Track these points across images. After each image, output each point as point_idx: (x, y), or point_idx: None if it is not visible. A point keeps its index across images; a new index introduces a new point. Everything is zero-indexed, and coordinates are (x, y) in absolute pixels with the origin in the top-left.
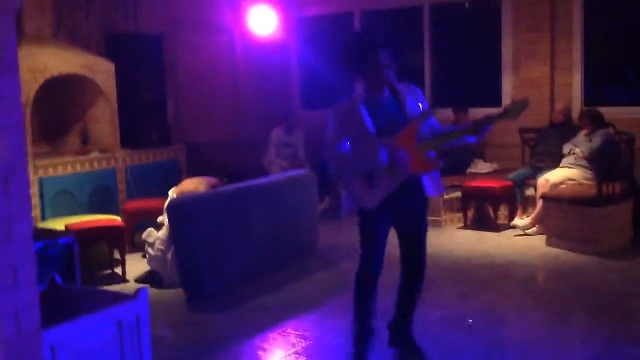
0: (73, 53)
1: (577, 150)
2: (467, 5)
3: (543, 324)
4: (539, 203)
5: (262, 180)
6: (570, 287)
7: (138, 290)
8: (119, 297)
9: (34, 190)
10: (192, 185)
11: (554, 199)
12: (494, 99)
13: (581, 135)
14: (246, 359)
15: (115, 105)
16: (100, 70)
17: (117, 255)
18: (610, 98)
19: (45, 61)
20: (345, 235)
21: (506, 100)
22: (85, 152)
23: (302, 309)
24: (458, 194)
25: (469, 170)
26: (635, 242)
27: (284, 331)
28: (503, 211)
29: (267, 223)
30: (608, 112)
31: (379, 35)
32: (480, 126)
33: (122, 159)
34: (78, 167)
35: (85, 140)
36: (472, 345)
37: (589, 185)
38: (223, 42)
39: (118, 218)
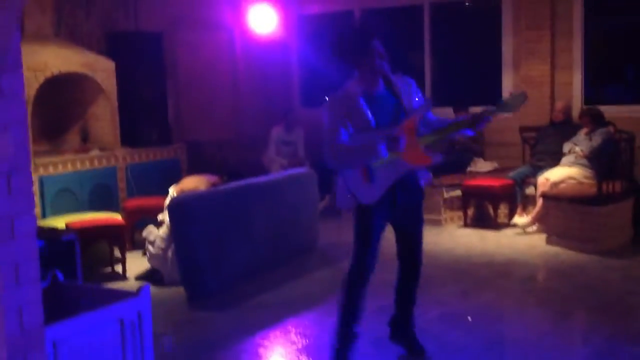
0: (73, 51)
1: (577, 149)
2: (467, 3)
3: (543, 322)
4: (539, 202)
5: (262, 178)
6: (570, 285)
7: (140, 288)
8: (121, 295)
9: (34, 188)
10: (193, 183)
11: (554, 198)
12: (495, 97)
13: (581, 134)
14: (246, 357)
15: (116, 104)
16: (101, 69)
17: (117, 253)
18: (611, 97)
19: (45, 60)
20: (345, 234)
21: None
22: (85, 151)
23: (303, 307)
24: (458, 192)
25: (469, 168)
26: (635, 240)
27: (284, 329)
28: (503, 210)
29: (267, 221)
30: (608, 110)
31: (373, 26)
32: (478, 119)
33: (122, 158)
34: (78, 165)
35: (85, 138)
36: (472, 343)
37: (589, 184)
38: (223, 41)
39: (118, 216)
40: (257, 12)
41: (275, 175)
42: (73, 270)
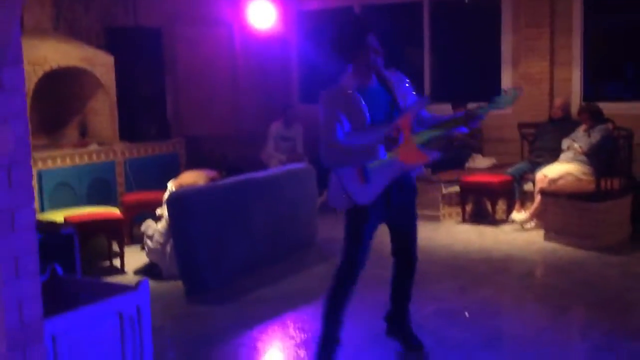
0: (72, 46)
1: (575, 145)
2: (467, 0)
3: (541, 318)
4: (538, 198)
5: (261, 174)
6: (568, 281)
7: (139, 282)
8: (120, 289)
9: (33, 182)
10: (191, 177)
11: (553, 194)
12: (494, 94)
13: (580, 131)
14: (245, 351)
15: (115, 98)
16: (100, 63)
17: (115, 247)
18: (610, 93)
19: (44, 54)
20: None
21: None
22: (84, 145)
23: (301, 301)
24: (456, 188)
25: (467, 165)
26: (633, 237)
27: (283, 323)
28: (501, 206)
29: (266, 217)
30: (607, 107)
31: (368, 21)
32: (472, 116)
33: (121, 152)
34: (77, 159)
35: (84, 133)
36: (470, 338)
37: (587, 180)
38: (222, 36)
39: (117, 210)
40: (257, 8)
41: (274, 170)
42: (72, 264)
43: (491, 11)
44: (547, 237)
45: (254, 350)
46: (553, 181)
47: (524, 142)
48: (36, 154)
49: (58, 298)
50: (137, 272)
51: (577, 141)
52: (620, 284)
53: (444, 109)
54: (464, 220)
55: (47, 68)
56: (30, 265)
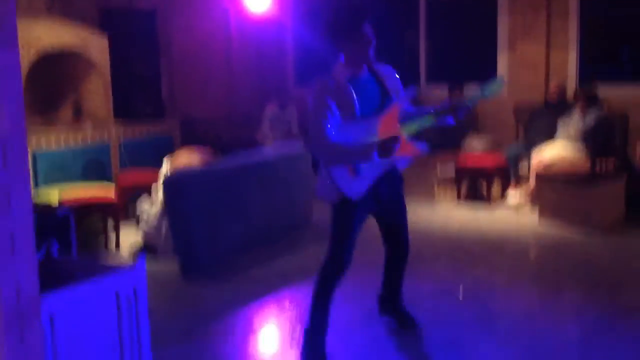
0: (66, 27)
1: (570, 128)
2: None
3: (534, 298)
4: (532, 180)
5: (257, 156)
6: (562, 262)
7: (135, 261)
8: (117, 268)
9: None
10: (186, 158)
11: (547, 176)
12: (490, 76)
13: (575, 113)
14: (241, 329)
15: (109, 79)
16: (94, 44)
17: (111, 227)
18: (606, 76)
19: (38, 35)
20: None
21: None
22: (78, 126)
23: (297, 279)
24: (452, 169)
25: (463, 146)
26: (627, 218)
27: (278, 301)
28: (496, 187)
29: (261, 197)
30: (603, 90)
31: (365, 9)
32: (458, 107)
33: (115, 133)
34: (71, 140)
35: (78, 113)
36: (464, 316)
37: (582, 162)
38: (218, 18)
39: (112, 189)
40: None
41: (270, 152)
42: (67, 245)
43: None
44: (541, 218)
45: (249, 328)
46: (548, 163)
47: (519, 124)
48: (31, 134)
49: (54, 278)
50: (132, 251)
51: (573, 124)
52: (613, 265)
53: (441, 91)
54: (459, 201)
55: (41, 49)
56: (26, 243)
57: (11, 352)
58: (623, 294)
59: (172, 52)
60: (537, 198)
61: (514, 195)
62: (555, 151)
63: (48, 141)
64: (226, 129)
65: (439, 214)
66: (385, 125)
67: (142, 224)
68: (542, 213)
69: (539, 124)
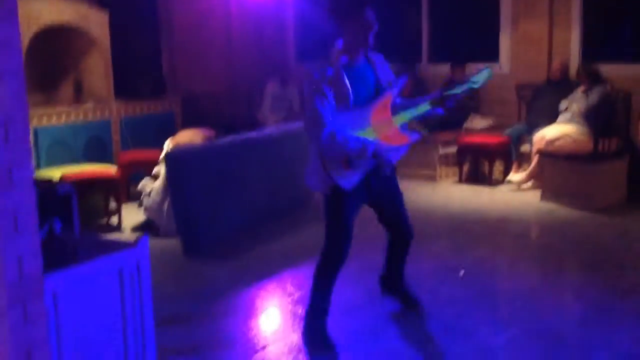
0: (67, 2)
1: (573, 106)
2: None
3: (536, 277)
4: (535, 159)
5: (258, 133)
6: (563, 241)
7: (138, 238)
8: (119, 246)
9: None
10: (188, 136)
11: (550, 155)
12: (492, 55)
13: (578, 92)
14: (243, 307)
15: (109, 56)
16: (94, 20)
17: (112, 205)
18: (609, 55)
19: (39, 9)
20: None
21: (504, 56)
22: (79, 103)
23: (298, 258)
24: (454, 149)
25: (465, 125)
26: (629, 198)
27: (280, 280)
28: (498, 166)
29: (263, 176)
30: (606, 69)
31: None
32: (447, 97)
33: (116, 110)
34: (72, 117)
35: (79, 90)
36: (465, 295)
37: (584, 141)
38: None
39: (114, 168)
40: None
41: (271, 130)
42: (70, 222)
43: None
44: (543, 197)
45: (251, 306)
46: (550, 142)
47: (521, 103)
48: (32, 112)
49: (57, 256)
50: (134, 229)
51: (575, 102)
52: (615, 244)
53: (443, 70)
54: (460, 181)
55: (41, 24)
56: (29, 220)
57: (15, 330)
58: (624, 274)
59: (172, 29)
60: (539, 177)
61: (516, 175)
62: (558, 129)
63: (49, 117)
64: (227, 106)
65: (440, 194)
66: (378, 115)
67: (144, 203)
68: (544, 193)
69: (542, 102)
